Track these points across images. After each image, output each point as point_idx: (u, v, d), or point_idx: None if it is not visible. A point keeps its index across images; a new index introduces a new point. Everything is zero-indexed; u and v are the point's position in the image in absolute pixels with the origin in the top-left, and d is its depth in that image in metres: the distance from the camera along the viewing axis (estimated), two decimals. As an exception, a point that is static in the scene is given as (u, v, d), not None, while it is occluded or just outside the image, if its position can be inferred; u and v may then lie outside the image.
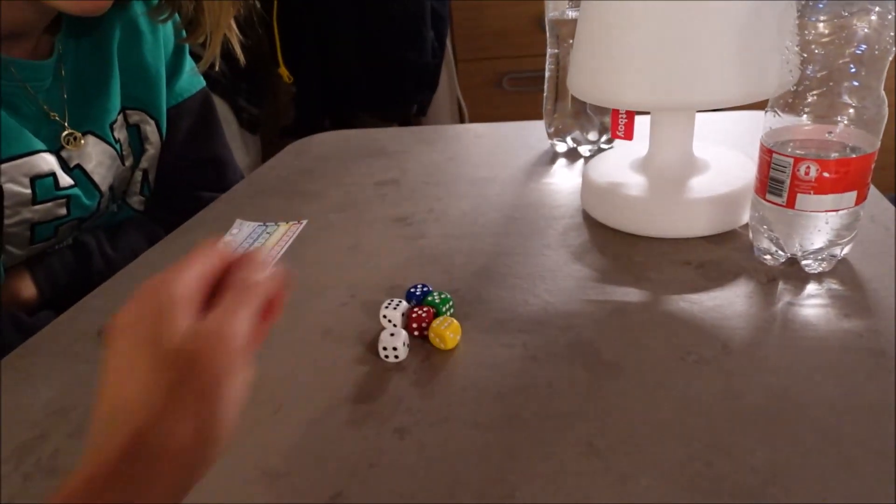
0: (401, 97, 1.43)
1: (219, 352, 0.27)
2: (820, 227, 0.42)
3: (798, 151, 0.42)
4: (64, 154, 0.63)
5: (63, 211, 0.64)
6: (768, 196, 0.44)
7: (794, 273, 0.45)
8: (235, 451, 0.35)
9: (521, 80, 1.66)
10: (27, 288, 0.65)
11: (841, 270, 0.45)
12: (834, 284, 0.44)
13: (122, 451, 0.24)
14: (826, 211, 0.42)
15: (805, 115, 0.41)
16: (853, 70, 0.39)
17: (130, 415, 0.25)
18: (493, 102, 1.68)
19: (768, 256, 0.47)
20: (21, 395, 0.43)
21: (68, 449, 0.38)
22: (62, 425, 0.40)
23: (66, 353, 0.47)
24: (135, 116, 0.70)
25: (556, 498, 0.30)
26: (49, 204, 0.62)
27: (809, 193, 0.41)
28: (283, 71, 1.28)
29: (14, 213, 0.60)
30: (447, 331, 0.42)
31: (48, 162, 0.61)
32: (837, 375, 0.36)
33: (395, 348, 0.41)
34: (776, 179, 0.43)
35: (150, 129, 0.71)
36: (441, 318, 0.43)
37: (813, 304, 0.42)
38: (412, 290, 0.46)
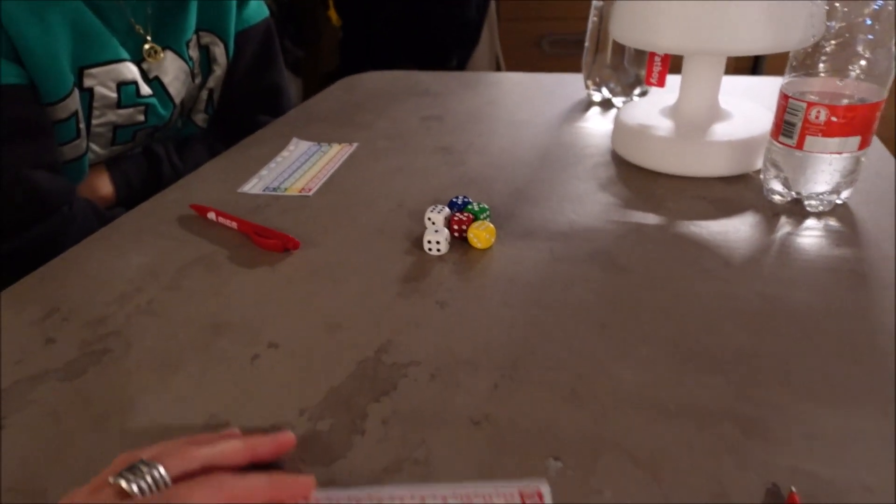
0: (442, 50, 1.47)
1: None
2: (824, 169, 0.47)
3: (811, 97, 0.46)
4: (144, 66, 0.70)
5: (142, 118, 0.71)
6: (781, 138, 0.49)
7: (798, 210, 0.51)
8: (305, 308, 0.42)
9: (561, 43, 1.68)
10: (105, 186, 0.72)
11: (839, 211, 0.50)
12: (831, 222, 0.49)
13: None
14: (831, 153, 0.47)
15: (821, 66, 0.46)
16: (869, 23, 0.43)
17: None
18: (531, 63, 1.71)
19: (777, 196, 0.52)
20: (114, 260, 0.51)
21: (163, 298, 0.45)
22: (155, 281, 0.47)
23: (151, 231, 0.55)
24: (206, 38, 0.76)
25: (571, 358, 0.37)
26: (131, 109, 0.69)
27: (818, 136, 0.46)
28: (333, 13, 1.33)
29: (101, 115, 0.67)
30: (484, 231, 0.48)
31: (132, 71, 0.67)
32: (821, 288, 0.41)
33: (437, 242, 0.47)
34: (789, 123, 0.48)
35: (219, 51, 0.77)
36: (479, 222, 0.49)
37: (809, 235, 0.47)
38: (454, 199, 0.52)
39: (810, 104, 0.46)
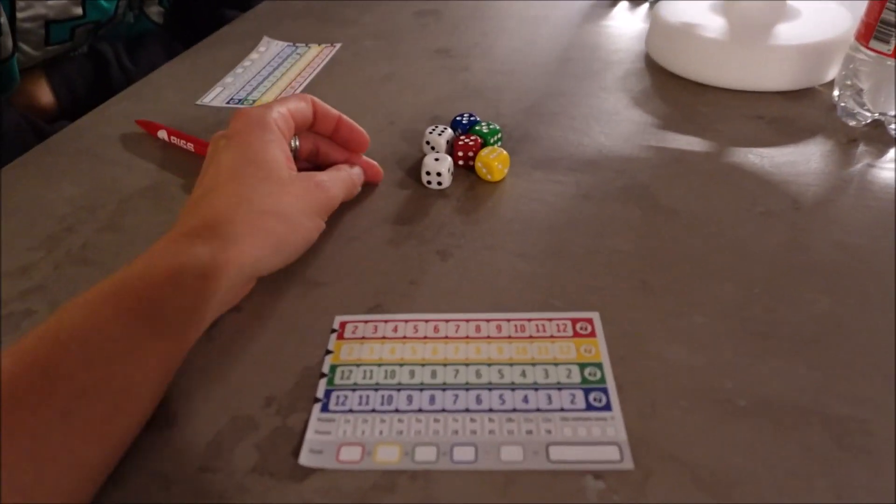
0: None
1: (318, 196, 0.32)
2: (923, 83, 0.38)
3: (922, -11, 0.36)
4: (76, -58, 0.57)
5: (79, 10, 0.59)
6: (872, 43, 0.39)
7: (878, 136, 0.41)
8: (271, 258, 0.34)
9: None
10: (44, 94, 0.61)
11: (930, 137, 0.41)
12: (921, 150, 0.40)
13: (204, 220, 0.28)
14: (936, 64, 0.37)
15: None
16: None
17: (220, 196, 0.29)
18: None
19: (852, 118, 0.42)
20: (45, 190, 0.42)
21: (98, 243, 0.37)
22: (90, 221, 0.38)
23: (89, 154, 0.45)
24: None
25: (606, 325, 0.29)
26: (64, 0, 0.57)
27: (923, 40, 0.36)
28: None
29: (27, 6, 0.55)
30: (495, 161, 0.39)
31: (59, -52, 0.55)
32: (915, 238, 0.33)
33: (438, 174, 0.38)
34: (887, 23, 0.37)
35: (171, -73, 0.64)
36: (489, 148, 0.40)
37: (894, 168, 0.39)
38: (458, 118, 0.43)
39: (920, -3, 0.35)
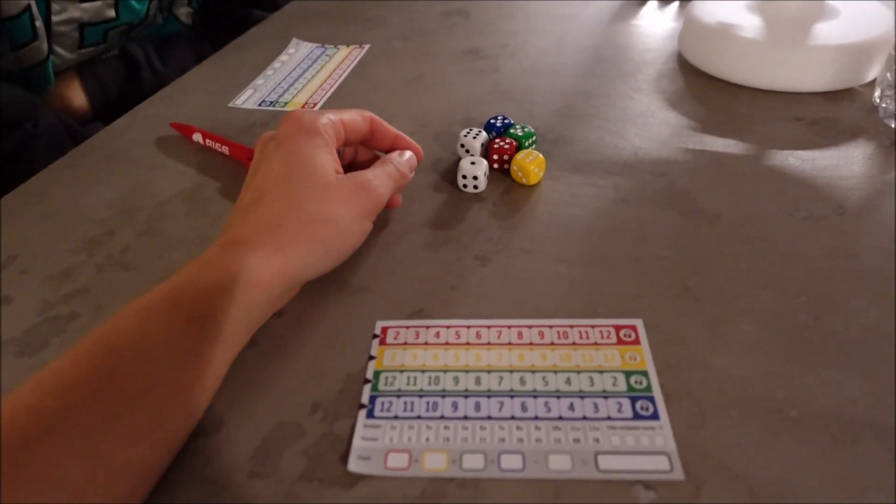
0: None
1: (364, 198, 0.31)
2: (972, 84, 0.37)
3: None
4: (109, -54, 0.57)
5: (111, 13, 0.59)
6: (918, 43, 0.38)
7: (922, 138, 0.41)
8: (310, 262, 0.34)
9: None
10: (77, 96, 0.62)
11: (977, 139, 0.40)
12: (968, 153, 0.39)
13: (253, 228, 0.29)
14: None
15: None
16: None
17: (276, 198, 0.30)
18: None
19: (894, 120, 0.41)
20: (83, 193, 0.42)
21: (139, 247, 0.37)
22: (130, 225, 0.39)
23: (123, 157, 0.46)
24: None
25: (651, 333, 0.29)
26: (98, 3, 0.58)
27: (973, 41, 0.35)
28: None
29: (62, 10, 0.56)
30: (531, 164, 0.38)
31: (94, -48, 0.55)
32: (965, 245, 0.33)
33: (475, 177, 0.38)
34: (934, 22, 0.36)
35: (201, -72, 0.64)
36: (525, 152, 0.39)
37: (942, 171, 0.38)
38: (492, 120, 0.43)
39: (971, -3, 0.35)
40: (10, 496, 0.19)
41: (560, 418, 0.25)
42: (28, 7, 0.52)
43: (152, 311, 0.24)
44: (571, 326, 0.29)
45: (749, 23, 0.47)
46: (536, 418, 0.26)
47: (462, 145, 0.41)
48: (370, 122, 0.36)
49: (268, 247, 0.27)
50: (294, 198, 0.29)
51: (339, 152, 0.35)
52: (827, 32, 0.45)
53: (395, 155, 0.36)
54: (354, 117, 0.35)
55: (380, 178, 0.33)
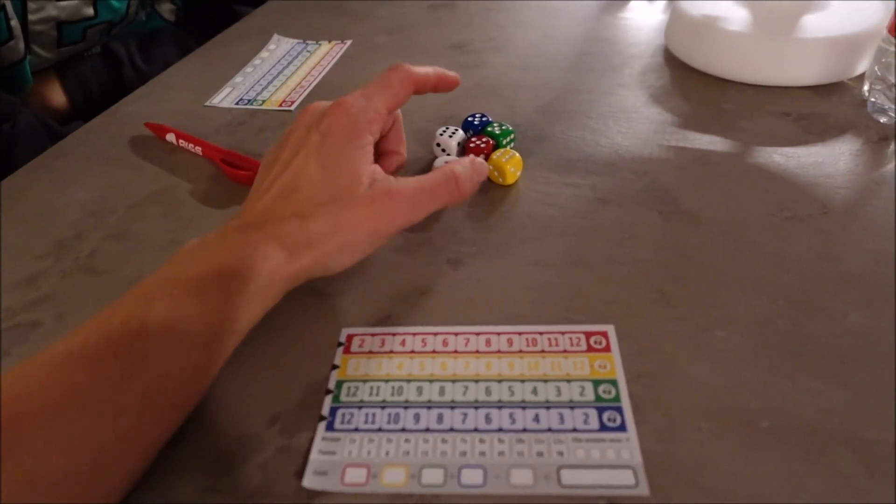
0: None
1: (387, 221, 0.29)
2: (963, 78, 0.36)
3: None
4: (86, -58, 0.56)
5: (90, 11, 0.58)
6: (907, 36, 0.36)
7: (912, 133, 0.39)
8: (278, 267, 0.33)
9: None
10: (57, 95, 0.61)
11: (969, 134, 0.39)
12: (959, 149, 0.38)
13: (276, 229, 0.28)
14: (977, 57, 0.35)
15: None
16: None
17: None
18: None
19: (883, 114, 0.40)
20: (55, 194, 0.42)
21: (106, 251, 0.36)
22: (99, 228, 0.38)
23: (100, 157, 0.45)
24: None
25: (623, 340, 0.28)
26: (75, 1, 0.57)
27: (964, 33, 0.34)
28: None
29: (38, 8, 0.55)
30: (508, 164, 0.37)
31: (71, -50, 0.54)
32: (953, 245, 0.32)
33: (450, 177, 0.37)
34: (924, 14, 0.35)
35: (182, -76, 0.63)
36: (501, 151, 0.38)
37: (932, 168, 0.37)
38: (470, 118, 0.42)
39: (961, -13, 0.33)
40: None
41: (524, 430, 0.25)
42: (2, 6, 0.51)
43: (182, 297, 0.25)
44: (541, 333, 0.29)
45: (736, 15, 0.46)
46: (500, 430, 0.25)
47: (438, 144, 0.40)
48: (413, 79, 0.33)
49: (285, 249, 0.27)
50: (315, 208, 0.28)
51: None
52: (815, 25, 0.44)
53: (459, 163, 0.32)
54: (404, 92, 0.33)
55: (417, 198, 0.30)
